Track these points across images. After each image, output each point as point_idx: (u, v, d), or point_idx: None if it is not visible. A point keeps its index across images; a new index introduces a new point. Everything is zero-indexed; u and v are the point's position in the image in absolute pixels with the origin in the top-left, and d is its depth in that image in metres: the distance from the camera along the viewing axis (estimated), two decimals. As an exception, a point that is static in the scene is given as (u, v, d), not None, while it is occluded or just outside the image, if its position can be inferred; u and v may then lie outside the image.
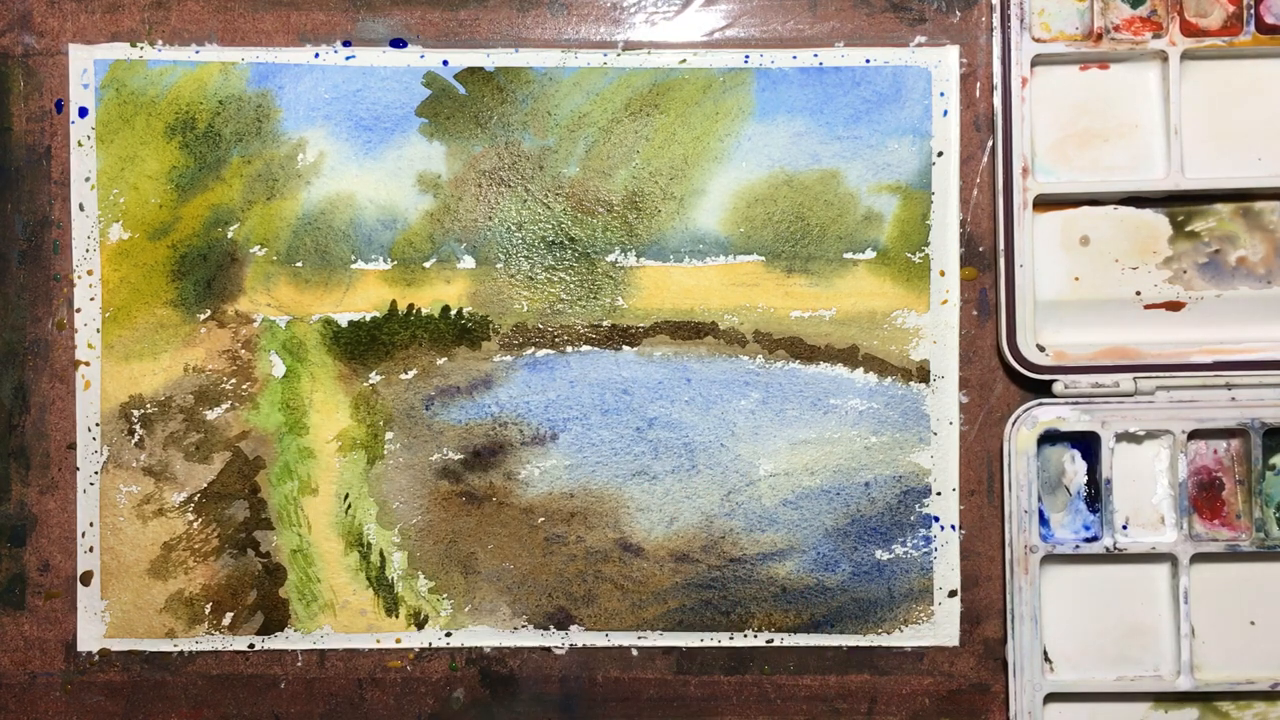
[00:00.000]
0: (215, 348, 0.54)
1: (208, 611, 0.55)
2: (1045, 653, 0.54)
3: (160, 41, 0.54)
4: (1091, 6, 0.53)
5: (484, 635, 0.55)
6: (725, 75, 0.54)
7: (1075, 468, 0.54)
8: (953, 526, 0.54)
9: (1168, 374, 0.53)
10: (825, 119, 0.54)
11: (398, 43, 0.54)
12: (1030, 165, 0.52)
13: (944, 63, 0.54)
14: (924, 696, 0.55)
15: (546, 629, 0.55)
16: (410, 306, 0.54)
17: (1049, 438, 0.53)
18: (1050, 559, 0.53)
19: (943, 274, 0.54)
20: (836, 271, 0.54)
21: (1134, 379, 0.52)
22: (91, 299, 0.54)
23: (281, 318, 0.54)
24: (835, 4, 0.54)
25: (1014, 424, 0.53)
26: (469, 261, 0.54)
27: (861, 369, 0.54)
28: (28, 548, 0.54)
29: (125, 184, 0.54)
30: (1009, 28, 0.52)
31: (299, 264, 0.54)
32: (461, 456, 0.54)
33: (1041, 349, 0.53)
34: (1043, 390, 0.53)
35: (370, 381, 0.54)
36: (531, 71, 0.54)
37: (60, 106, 0.54)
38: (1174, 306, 0.54)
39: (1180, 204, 0.53)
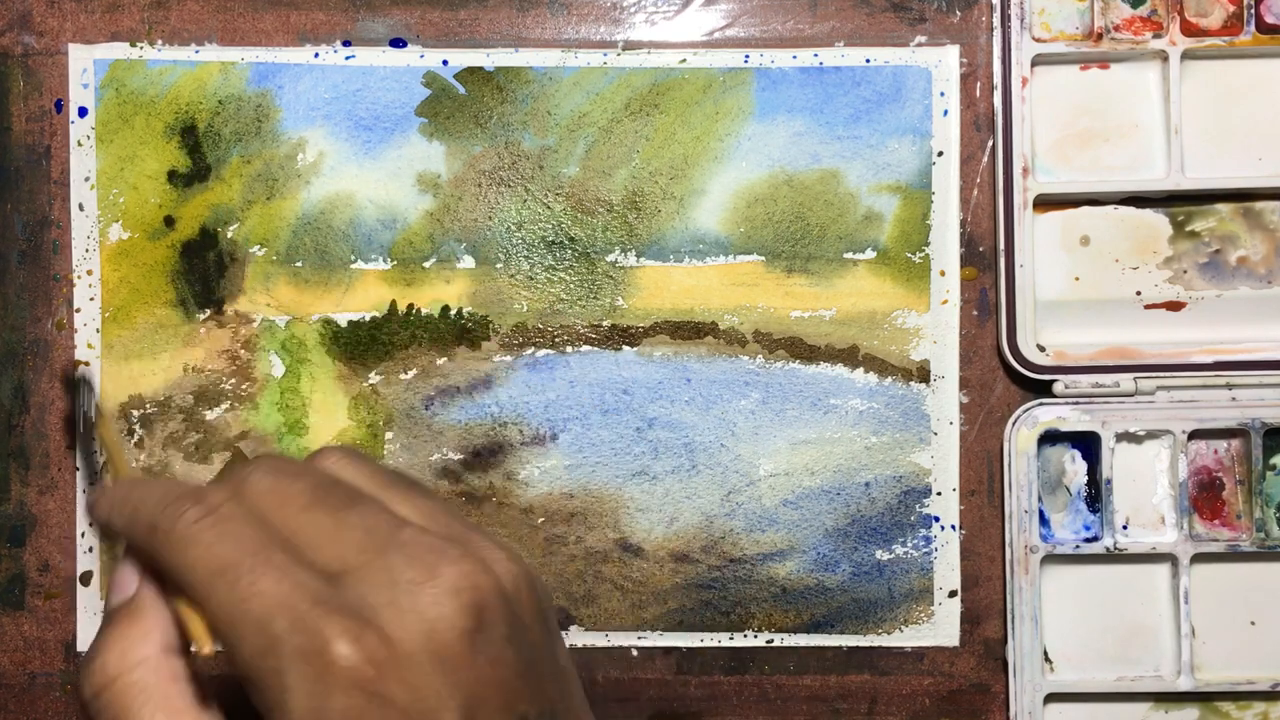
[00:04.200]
0: (215, 348, 0.54)
1: (207, 612, 0.55)
2: (1045, 653, 0.54)
3: (160, 41, 0.54)
4: (1091, 6, 0.52)
5: (484, 635, 0.55)
6: (725, 75, 0.54)
7: (1075, 468, 0.54)
8: (953, 526, 0.54)
9: (1168, 374, 0.53)
10: (825, 119, 0.54)
11: (397, 42, 0.54)
12: (1030, 165, 0.52)
13: (944, 63, 0.54)
14: (924, 696, 0.55)
15: (546, 629, 0.55)
16: (410, 306, 0.54)
17: (1049, 438, 0.53)
18: (1050, 559, 0.53)
19: (943, 274, 0.54)
20: (836, 271, 0.54)
21: (1134, 379, 0.52)
22: (91, 299, 0.54)
23: (281, 318, 0.54)
24: (835, 4, 0.54)
25: (1014, 424, 0.53)
26: (469, 261, 0.54)
27: (861, 369, 0.54)
28: (27, 548, 0.54)
29: (125, 184, 0.54)
30: (1009, 28, 0.52)
31: (298, 264, 0.54)
32: (461, 457, 0.54)
33: (1042, 349, 0.53)
34: (1043, 390, 0.53)
35: (370, 382, 0.54)
36: (531, 71, 0.54)
37: (60, 106, 0.54)
38: (1174, 306, 0.54)
39: (1180, 204, 0.53)
